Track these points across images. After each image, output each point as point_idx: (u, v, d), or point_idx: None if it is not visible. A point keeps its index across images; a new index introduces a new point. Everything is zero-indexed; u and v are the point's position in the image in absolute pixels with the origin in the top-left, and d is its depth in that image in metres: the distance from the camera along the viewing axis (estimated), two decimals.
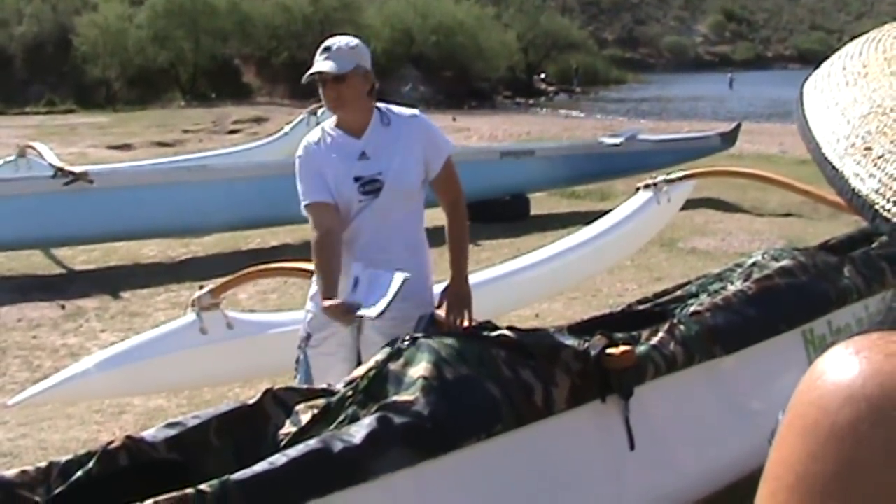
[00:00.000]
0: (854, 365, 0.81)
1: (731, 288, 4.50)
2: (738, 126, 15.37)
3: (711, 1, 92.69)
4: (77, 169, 10.76)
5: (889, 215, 0.81)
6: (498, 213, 13.08)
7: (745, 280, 4.55)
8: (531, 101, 46.00)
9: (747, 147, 18.62)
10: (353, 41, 4.36)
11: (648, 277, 9.49)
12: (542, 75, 54.21)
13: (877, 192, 0.82)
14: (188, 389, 6.57)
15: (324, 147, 4.34)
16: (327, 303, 4.00)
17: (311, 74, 4.25)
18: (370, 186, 4.24)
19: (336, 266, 4.18)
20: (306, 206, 4.31)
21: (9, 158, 12.83)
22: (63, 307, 8.95)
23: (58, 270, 10.77)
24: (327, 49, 4.27)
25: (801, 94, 0.94)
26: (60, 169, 10.56)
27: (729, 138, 14.99)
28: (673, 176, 7.85)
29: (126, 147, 22.64)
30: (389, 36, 43.27)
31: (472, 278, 7.10)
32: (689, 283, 4.91)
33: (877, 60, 0.90)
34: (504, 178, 13.29)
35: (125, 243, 11.45)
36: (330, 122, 4.41)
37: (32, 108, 34.42)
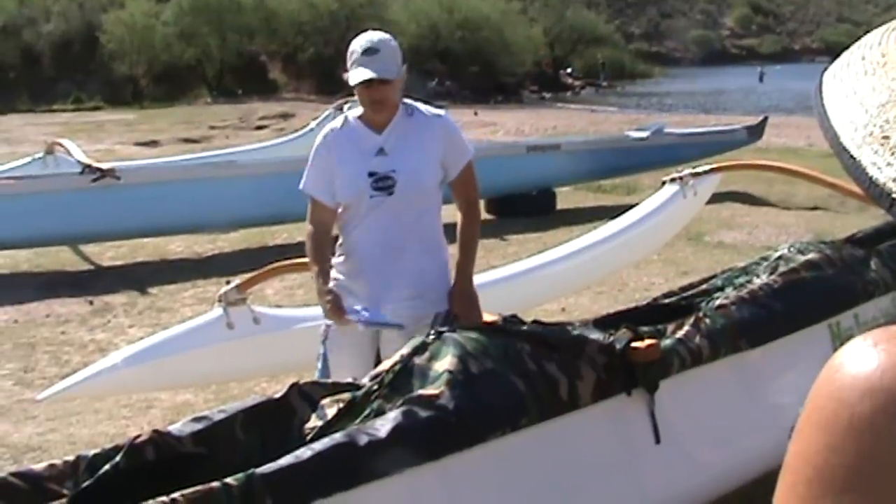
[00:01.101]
0: (873, 357, 0.81)
1: (757, 281, 4.48)
2: (765, 119, 15.31)
3: None
4: (104, 165, 10.82)
5: None
6: (524, 207, 13.09)
7: (771, 273, 4.54)
8: (557, 96, 45.93)
9: (774, 140, 18.54)
10: (393, 41, 4.31)
11: (675, 271, 9.47)
12: (569, 70, 54.11)
13: (894, 180, 0.82)
14: (215, 384, 6.60)
15: (344, 139, 4.35)
16: (326, 298, 4.12)
17: (362, 82, 4.14)
18: (383, 183, 4.22)
19: (326, 258, 4.32)
20: (306, 193, 4.40)
21: (37, 155, 12.89)
22: (91, 303, 9.00)
23: (86, 266, 10.84)
24: (370, 50, 4.17)
25: (821, 83, 0.94)
26: (88, 166, 10.61)
27: (755, 132, 14.93)
28: (699, 170, 7.83)
29: (153, 143, 22.72)
30: (415, 31, 43.22)
31: (499, 273, 7.18)
32: (714, 276, 4.90)
33: (895, 50, 0.90)
34: (530, 173, 13.30)
35: (152, 239, 11.50)
36: (354, 112, 4.40)
37: (60, 105, 34.58)
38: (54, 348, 7.72)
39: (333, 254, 4.45)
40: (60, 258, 10.98)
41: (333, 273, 4.35)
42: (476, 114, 29.70)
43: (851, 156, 0.86)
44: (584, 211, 13.08)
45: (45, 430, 6.15)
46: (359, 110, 4.36)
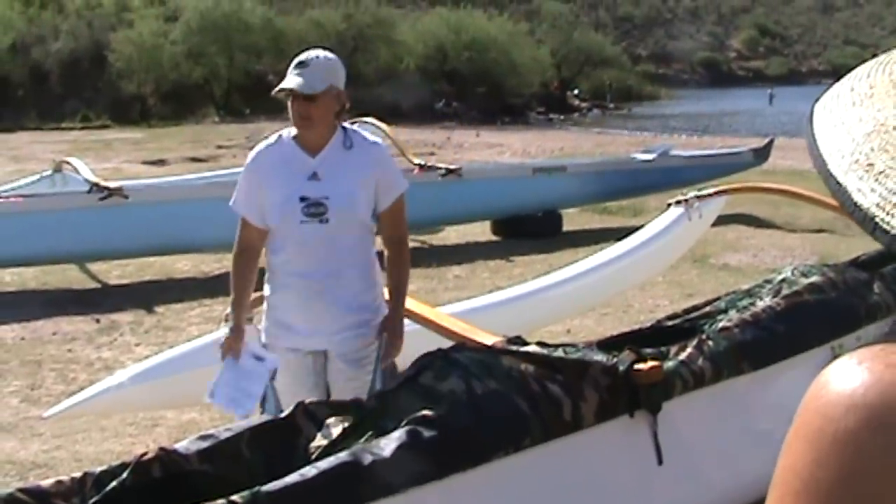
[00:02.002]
0: (857, 375, 0.85)
1: (760, 304, 4.51)
2: (771, 142, 15.34)
3: (745, 16, 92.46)
4: (112, 184, 10.86)
5: (888, 227, 0.85)
6: (530, 229, 13.12)
7: (775, 296, 4.56)
8: (564, 117, 45.98)
9: (780, 163, 18.57)
10: (331, 56, 4.30)
11: (680, 293, 9.49)
12: (576, 91, 54.20)
13: (877, 205, 0.86)
14: None
15: (276, 159, 4.29)
16: (231, 335, 4.30)
17: (281, 90, 4.17)
18: (314, 209, 4.17)
19: (248, 285, 4.39)
20: (235, 211, 4.40)
21: (45, 173, 12.93)
22: (98, 321, 9.04)
23: (93, 285, 10.87)
24: (302, 63, 4.19)
25: (812, 112, 0.98)
26: (96, 184, 10.65)
27: (761, 154, 14.97)
28: (704, 192, 7.87)
29: (161, 162, 22.78)
30: (423, 52, 43.38)
31: (504, 294, 7.21)
32: (718, 298, 4.92)
33: (883, 82, 0.94)
34: (536, 195, 13.33)
35: (159, 258, 11.54)
36: (290, 130, 4.33)
37: (68, 123, 34.69)
38: (61, 366, 7.75)
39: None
40: (68, 276, 11.02)
41: (270, 303, 4.36)
42: (478, 135, 29.79)
43: (838, 182, 0.90)
44: (590, 233, 13.10)
45: (51, 447, 6.17)
46: (294, 129, 4.30)
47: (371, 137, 4.48)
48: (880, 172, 0.87)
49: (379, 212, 4.37)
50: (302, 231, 4.19)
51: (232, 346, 4.28)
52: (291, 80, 4.14)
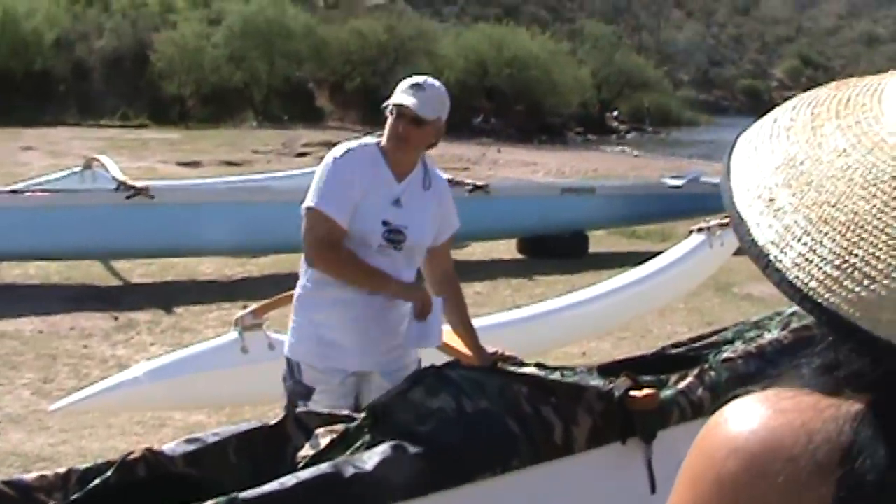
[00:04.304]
0: (747, 418, 0.84)
1: (768, 336, 4.46)
2: None
3: (788, 45, 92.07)
4: (139, 183, 10.92)
5: (780, 266, 0.83)
6: (556, 249, 13.09)
7: (783, 329, 4.51)
8: (602, 139, 45.88)
9: None
10: (444, 90, 4.27)
11: (699, 321, 9.44)
12: (615, 113, 54.09)
13: (772, 242, 0.84)
14: (229, 406, 6.64)
15: (368, 167, 4.16)
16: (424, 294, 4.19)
17: (396, 105, 4.11)
18: (394, 236, 4.14)
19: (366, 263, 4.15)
20: (319, 211, 4.10)
21: (75, 169, 13.04)
22: (116, 318, 9.09)
23: (114, 282, 10.93)
24: (418, 86, 4.15)
25: (735, 141, 0.96)
26: (123, 183, 10.72)
27: None
28: (728, 220, 7.82)
29: (195, 164, 22.87)
30: (464, 67, 43.31)
31: (522, 313, 7.19)
32: (725, 329, 4.88)
33: (804, 116, 0.92)
34: (563, 215, 13.30)
35: (183, 259, 11.59)
36: (375, 141, 4.26)
37: (107, 120, 34.82)
38: (75, 361, 7.79)
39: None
40: (90, 272, 11.08)
41: (308, 320, 4.26)
42: (499, 150, 29.71)
43: (740, 215, 0.88)
44: (615, 256, 13.05)
45: (58, 441, 6.21)
46: (380, 141, 4.24)
47: (441, 174, 4.48)
48: (779, 209, 0.86)
49: (433, 246, 4.37)
50: (377, 254, 4.14)
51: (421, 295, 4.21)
52: (407, 99, 4.10)
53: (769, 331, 4.62)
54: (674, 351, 4.56)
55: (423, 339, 4.31)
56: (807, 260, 0.83)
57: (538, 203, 13.41)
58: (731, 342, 4.60)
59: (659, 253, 8.43)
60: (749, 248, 0.86)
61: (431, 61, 41.95)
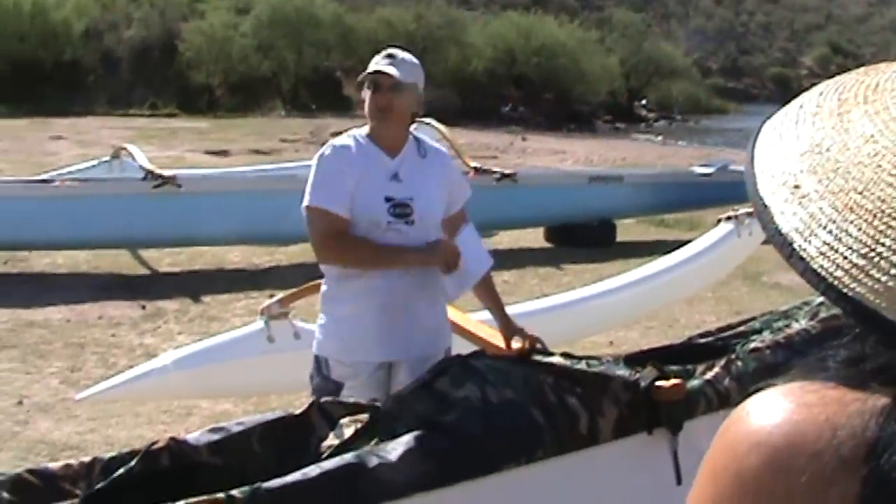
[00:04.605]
0: (774, 412, 0.82)
1: (796, 326, 4.42)
2: None
3: (818, 33, 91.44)
4: (166, 173, 10.95)
5: (805, 255, 0.81)
6: (583, 237, 13.05)
7: (811, 319, 4.47)
8: (631, 127, 45.68)
9: None
10: (416, 62, 4.27)
11: (728, 310, 9.39)
12: (643, 101, 53.87)
13: (797, 230, 0.82)
14: (256, 396, 6.65)
15: (356, 155, 4.15)
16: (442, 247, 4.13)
17: (370, 73, 4.12)
18: (400, 210, 4.10)
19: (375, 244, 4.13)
20: (315, 208, 4.10)
21: (103, 159, 13.09)
22: (144, 307, 9.11)
23: (142, 271, 10.97)
24: (391, 55, 4.16)
25: (759, 128, 0.94)
26: (150, 172, 10.75)
27: None
28: None
29: (223, 153, 22.92)
30: (492, 55, 43.23)
31: (549, 301, 7.16)
32: (753, 318, 4.84)
33: (831, 101, 0.89)
34: (591, 203, 13.26)
35: (212, 248, 11.61)
36: (361, 131, 4.26)
37: (136, 110, 34.95)
38: (103, 350, 7.82)
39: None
40: (119, 261, 11.12)
41: (334, 315, 4.24)
42: (524, 139, 29.63)
43: (764, 203, 0.86)
44: (643, 244, 13.00)
45: (85, 429, 6.23)
46: (366, 129, 4.24)
47: (436, 145, 4.48)
48: (804, 196, 0.83)
49: (447, 217, 4.36)
50: (388, 231, 4.11)
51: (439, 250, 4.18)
52: (382, 67, 4.11)
53: (797, 320, 4.58)
54: (701, 341, 4.53)
55: (463, 282, 4.31)
56: (832, 248, 0.80)
57: (566, 192, 13.37)
58: (758, 332, 4.56)
59: (687, 242, 8.38)
60: (773, 237, 0.84)
61: (460, 50, 41.94)
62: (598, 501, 3.46)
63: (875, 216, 0.80)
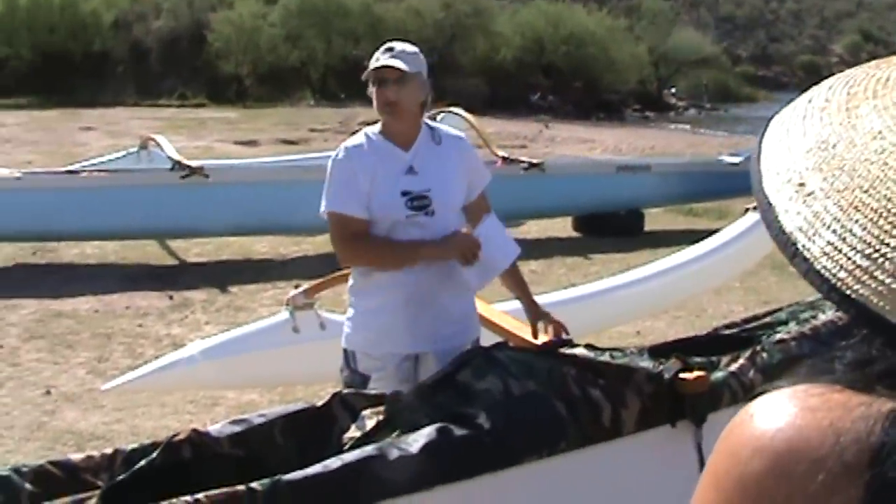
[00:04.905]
0: (771, 415, 0.81)
1: (822, 317, 4.38)
2: None
3: (848, 21, 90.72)
4: (194, 163, 10.98)
5: (808, 255, 0.79)
6: (611, 227, 13.01)
7: (838, 310, 4.43)
8: (660, 116, 45.47)
9: None
10: (418, 52, 4.24)
11: (756, 300, 9.34)
12: (673, 90, 53.62)
13: (800, 230, 0.80)
14: (282, 386, 6.65)
15: (369, 154, 4.15)
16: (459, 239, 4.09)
17: (376, 69, 4.09)
18: (419, 202, 4.10)
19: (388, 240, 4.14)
20: (332, 213, 4.15)
21: (131, 150, 13.14)
22: (171, 298, 9.15)
23: (170, 261, 11.02)
24: (390, 49, 4.14)
25: (768, 123, 0.92)
26: (178, 162, 10.80)
27: None
28: None
29: (252, 143, 22.96)
30: (520, 44, 43.10)
31: (577, 291, 7.14)
32: (780, 309, 4.80)
33: (840, 95, 0.87)
34: (619, 193, 13.21)
35: (239, 238, 11.64)
36: (373, 128, 4.25)
37: (165, 100, 35.10)
38: (130, 340, 7.85)
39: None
40: (147, 252, 11.17)
41: (361, 308, 4.25)
42: (547, 126, 29.53)
43: (768, 200, 0.84)
44: (672, 234, 12.93)
45: (112, 419, 6.26)
46: (377, 126, 4.24)
47: (453, 131, 4.46)
48: (809, 194, 0.81)
49: (468, 203, 4.36)
50: (409, 225, 4.12)
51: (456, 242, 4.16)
52: (383, 60, 4.10)
53: (824, 311, 4.54)
54: (726, 332, 4.50)
55: (486, 273, 4.31)
56: (835, 249, 0.78)
57: (594, 181, 13.32)
58: (784, 323, 4.53)
59: (715, 231, 8.34)
60: (776, 236, 0.82)
61: (488, 39, 41.85)
62: (621, 494, 3.44)
63: (880, 215, 0.78)
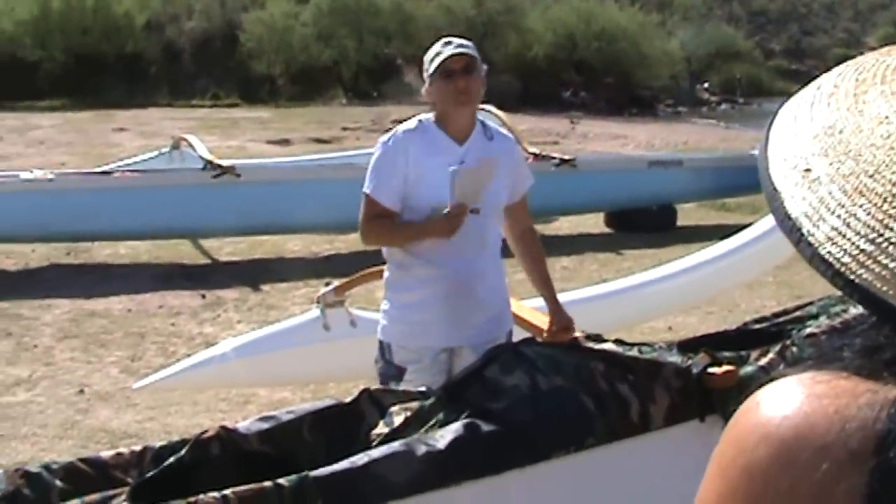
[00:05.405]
0: (777, 403, 0.80)
1: (853, 311, 4.33)
2: None
3: (882, 13, 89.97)
4: (226, 163, 11.03)
5: (813, 240, 0.79)
6: (643, 222, 12.97)
7: None
8: (693, 111, 45.25)
9: None
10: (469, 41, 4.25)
11: (789, 295, 9.27)
12: (706, 85, 53.36)
13: (805, 215, 0.80)
14: (314, 384, 6.67)
15: (423, 146, 4.15)
16: (448, 214, 4.03)
17: (443, 63, 4.06)
18: None
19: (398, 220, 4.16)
20: (371, 198, 4.17)
21: (163, 150, 13.20)
22: (203, 296, 9.19)
23: (203, 261, 11.06)
24: (449, 42, 4.15)
25: (777, 111, 0.91)
26: (210, 162, 10.85)
27: None
28: None
29: (285, 142, 22.98)
30: (552, 40, 42.94)
31: (609, 287, 7.13)
32: (811, 303, 4.77)
33: (849, 82, 0.87)
34: (651, 188, 13.16)
35: (271, 237, 11.67)
36: (429, 116, 4.24)
37: (198, 101, 35.18)
38: (163, 339, 7.89)
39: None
40: (179, 251, 11.22)
41: (399, 302, 4.27)
42: (574, 121, 29.42)
43: (774, 186, 0.83)
44: (704, 229, 12.87)
45: (144, 418, 6.29)
46: (432, 115, 4.24)
47: (503, 130, 4.50)
48: (814, 180, 0.81)
49: (509, 203, 4.36)
50: None
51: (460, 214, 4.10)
52: (450, 52, 4.10)
53: (855, 305, 4.51)
54: (756, 326, 4.46)
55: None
56: (840, 234, 0.78)
57: (625, 176, 13.29)
58: (815, 317, 4.49)
59: (748, 225, 8.29)
60: (782, 222, 0.82)
61: (519, 35, 41.76)
62: (649, 489, 3.43)
63: (885, 200, 0.77)
